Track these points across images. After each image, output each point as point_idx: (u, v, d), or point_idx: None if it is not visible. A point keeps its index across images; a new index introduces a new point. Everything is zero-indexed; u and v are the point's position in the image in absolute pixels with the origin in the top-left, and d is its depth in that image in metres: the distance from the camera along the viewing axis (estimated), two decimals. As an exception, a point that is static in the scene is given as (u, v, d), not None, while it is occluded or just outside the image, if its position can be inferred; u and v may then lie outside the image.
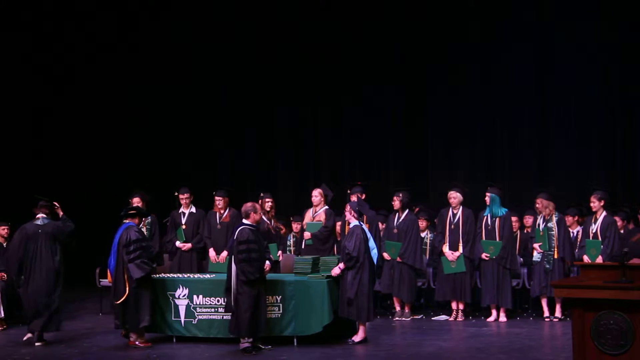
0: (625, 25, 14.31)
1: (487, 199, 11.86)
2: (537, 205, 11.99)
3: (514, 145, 15.16)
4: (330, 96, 16.30)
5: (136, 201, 11.99)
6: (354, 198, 11.49)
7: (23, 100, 16.18)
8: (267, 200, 12.27)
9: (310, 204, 12.18)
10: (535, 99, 14.99)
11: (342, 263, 9.97)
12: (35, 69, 16.14)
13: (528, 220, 12.67)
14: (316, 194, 11.96)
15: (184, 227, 12.41)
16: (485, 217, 11.87)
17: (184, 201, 12.47)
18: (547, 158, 14.94)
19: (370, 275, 10.04)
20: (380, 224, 12.49)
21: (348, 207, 10.38)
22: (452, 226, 11.96)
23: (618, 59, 14.48)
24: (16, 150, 16.07)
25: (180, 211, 12.53)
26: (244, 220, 9.77)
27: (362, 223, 10.21)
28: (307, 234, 11.87)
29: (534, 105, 15.03)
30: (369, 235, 10.14)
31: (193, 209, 12.55)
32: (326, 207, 11.96)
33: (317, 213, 11.93)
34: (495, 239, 11.77)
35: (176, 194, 12.69)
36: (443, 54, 15.41)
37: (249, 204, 9.87)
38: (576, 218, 12.26)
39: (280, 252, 12.12)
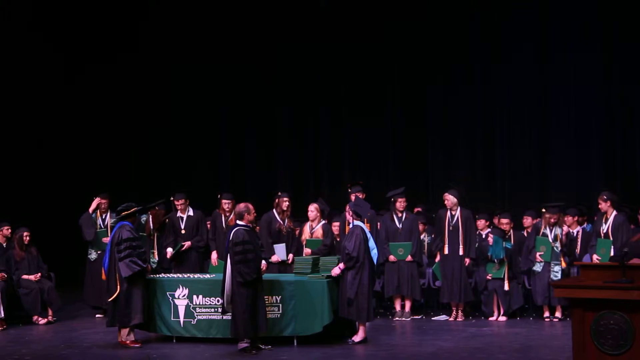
0: (625, 25, 14.31)
1: (490, 239, 11.90)
2: (545, 215, 11.87)
3: (514, 145, 15.16)
4: (330, 96, 16.30)
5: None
6: (353, 197, 11.48)
7: (24, 102, 16.16)
8: (284, 199, 12.07)
9: (306, 205, 12.11)
10: (535, 98, 15.00)
11: (342, 263, 9.97)
12: (36, 71, 16.13)
13: (527, 221, 12.64)
14: (312, 209, 11.78)
15: (183, 231, 12.40)
16: (490, 255, 11.91)
17: (181, 207, 12.45)
18: (547, 158, 14.94)
19: (370, 275, 10.04)
20: (378, 225, 12.48)
21: (348, 207, 10.40)
22: (451, 228, 11.97)
23: (618, 59, 14.49)
24: (18, 152, 16.06)
25: (178, 215, 12.50)
26: (238, 222, 9.76)
27: (362, 223, 10.20)
28: (307, 251, 11.74)
29: (534, 105, 15.04)
30: (369, 235, 10.14)
31: (190, 212, 12.53)
32: (323, 222, 11.86)
33: (314, 229, 11.77)
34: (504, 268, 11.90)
35: (172, 199, 12.70)
36: (443, 54, 15.41)
37: (242, 205, 9.85)
38: (576, 218, 12.26)
39: (291, 255, 11.77)
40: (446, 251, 11.99)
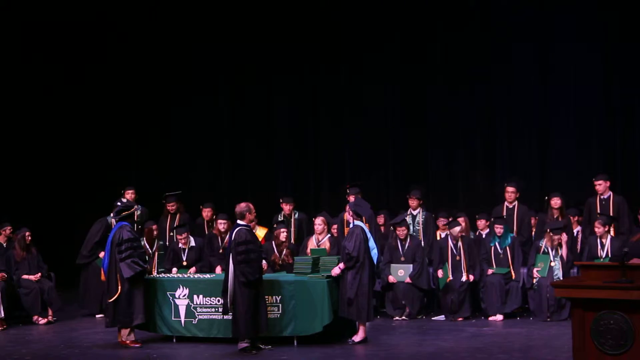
0: (626, 25, 14.30)
1: (500, 230, 11.99)
2: (553, 237, 11.81)
3: (514, 145, 15.16)
4: (330, 96, 16.28)
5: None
6: (352, 198, 11.47)
7: (24, 102, 16.16)
8: (282, 230, 12.08)
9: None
10: (535, 99, 14.98)
11: (342, 263, 9.97)
12: (36, 71, 16.12)
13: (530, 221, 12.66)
14: (319, 222, 11.70)
15: (184, 263, 12.35)
16: (494, 247, 12.02)
17: (183, 240, 12.38)
18: (547, 158, 14.93)
19: (370, 275, 10.05)
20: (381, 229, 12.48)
21: (348, 208, 10.40)
22: (457, 257, 12.04)
23: (618, 59, 14.48)
24: (18, 152, 16.06)
25: (180, 247, 12.42)
26: (239, 221, 9.74)
27: (362, 223, 10.20)
28: None
29: (534, 105, 15.02)
30: (369, 235, 10.13)
31: (192, 242, 12.47)
32: (329, 235, 11.82)
33: (321, 242, 11.69)
34: (507, 264, 11.99)
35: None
36: (443, 54, 15.40)
37: (243, 205, 9.84)
38: (576, 218, 12.27)
39: None
40: (450, 279, 12.06)
